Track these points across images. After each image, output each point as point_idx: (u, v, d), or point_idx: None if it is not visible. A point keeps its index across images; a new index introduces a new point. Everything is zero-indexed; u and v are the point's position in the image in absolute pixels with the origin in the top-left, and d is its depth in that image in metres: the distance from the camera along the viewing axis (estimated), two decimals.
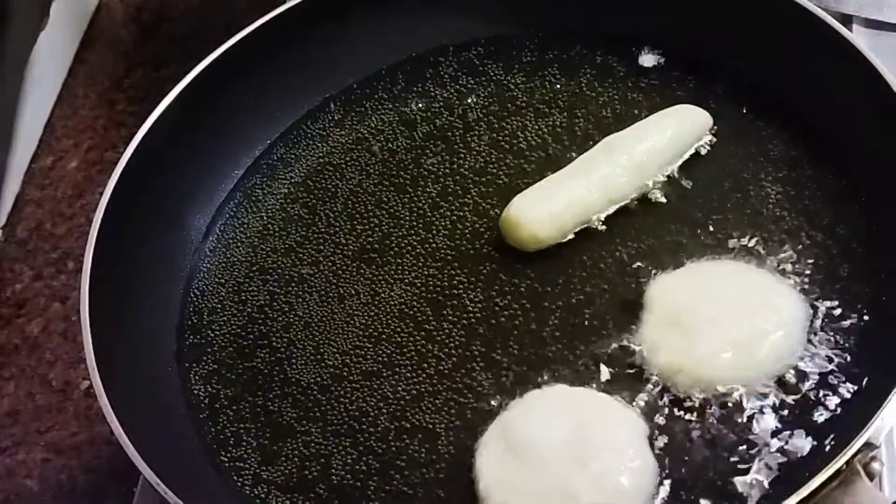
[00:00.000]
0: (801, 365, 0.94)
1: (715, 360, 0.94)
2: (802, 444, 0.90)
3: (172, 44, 1.62)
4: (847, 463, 0.82)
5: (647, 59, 1.19)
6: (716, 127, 1.12)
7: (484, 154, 1.16)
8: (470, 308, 1.04)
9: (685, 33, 1.16)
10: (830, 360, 0.94)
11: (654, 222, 1.06)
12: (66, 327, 1.33)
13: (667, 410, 0.93)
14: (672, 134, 1.09)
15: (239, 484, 0.97)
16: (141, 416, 0.95)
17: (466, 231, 1.10)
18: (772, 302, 0.97)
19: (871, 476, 0.83)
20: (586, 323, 1.00)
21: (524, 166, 1.14)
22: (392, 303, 1.06)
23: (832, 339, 0.95)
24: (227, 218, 1.17)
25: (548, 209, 1.05)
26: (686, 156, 1.10)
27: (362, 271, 1.09)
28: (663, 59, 1.18)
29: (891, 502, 0.88)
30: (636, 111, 1.14)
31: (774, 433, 0.91)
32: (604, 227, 1.06)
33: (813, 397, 0.92)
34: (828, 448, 0.89)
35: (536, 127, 1.17)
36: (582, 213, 1.06)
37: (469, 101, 1.21)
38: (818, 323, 0.96)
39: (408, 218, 1.13)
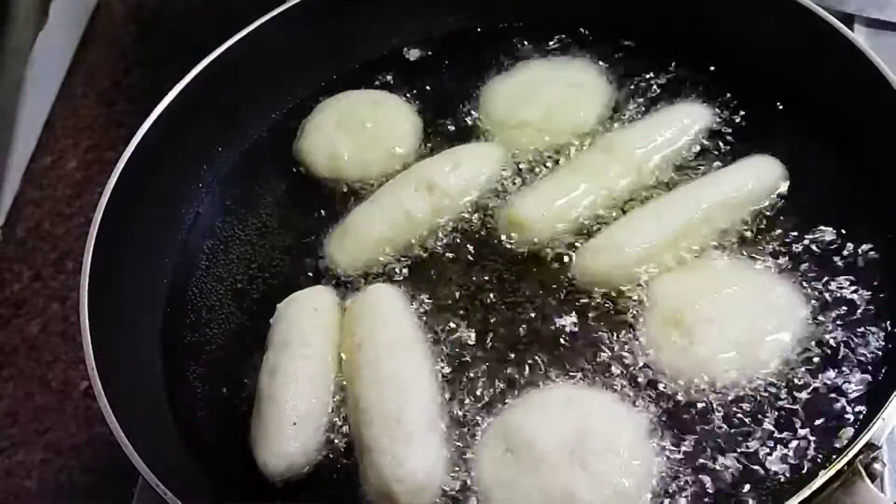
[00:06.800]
0: (803, 365, 0.94)
1: (716, 359, 0.93)
2: (804, 444, 0.90)
3: (172, 43, 1.61)
4: (849, 464, 0.82)
5: (647, 59, 1.19)
6: (716, 125, 1.11)
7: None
8: (470, 308, 1.04)
9: (685, 31, 1.16)
10: (832, 361, 0.94)
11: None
12: (65, 327, 1.33)
13: (668, 410, 0.93)
14: (673, 132, 1.09)
15: (238, 484, 0.97)
16: (140, 416, 0.95)
17: (467, 231, 1.10)
18: (773, 302, 0.97)
19: (872, 477, 0.82)
20: (587, 323, 1.00)
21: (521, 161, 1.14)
22: None
23: (834, 339, 0.95)
24: (225, 217, 1.17)
25: (548, 209, 1.05)
26: (686, 153, 1.10)
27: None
28: (664, 59, 1.18)
29: (892, 503, 0.88)
30: (635, 111, 1.14)
31: (776, 433, 0.90)
32: (604, 227, 1.06)
33: (815, 397, 0.92)
34: (829, 449, 0.89)
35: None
36: (582, 212, 1.06)
37: (466, 92, 1.21)
38: (820, 322, 0.96)
39: None
